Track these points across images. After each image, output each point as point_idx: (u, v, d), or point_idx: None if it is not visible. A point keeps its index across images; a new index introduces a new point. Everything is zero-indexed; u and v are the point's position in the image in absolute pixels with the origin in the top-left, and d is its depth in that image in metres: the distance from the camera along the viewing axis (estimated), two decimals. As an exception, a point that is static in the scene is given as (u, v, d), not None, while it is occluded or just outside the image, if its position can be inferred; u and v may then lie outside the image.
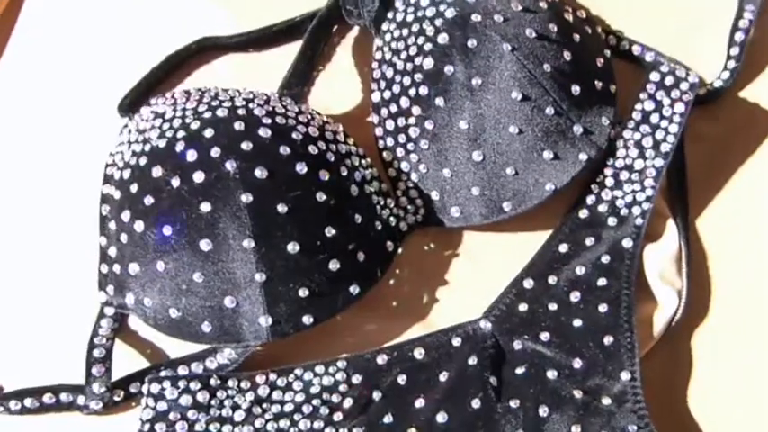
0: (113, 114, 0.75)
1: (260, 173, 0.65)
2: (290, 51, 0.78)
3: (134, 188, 0.67)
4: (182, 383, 0.67)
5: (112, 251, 0.69)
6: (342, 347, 0.71)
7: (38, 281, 0.74)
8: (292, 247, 0.65)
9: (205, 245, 0.65)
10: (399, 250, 0.72)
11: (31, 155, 0.78)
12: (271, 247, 0.65)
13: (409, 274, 0.73)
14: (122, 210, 0.68)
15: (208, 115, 0.68)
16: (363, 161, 0.71)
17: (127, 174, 0.69)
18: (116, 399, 0.69)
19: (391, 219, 0.71)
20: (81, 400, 0.69)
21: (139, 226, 0.67)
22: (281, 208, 0.65)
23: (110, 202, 0.70)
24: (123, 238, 0.68)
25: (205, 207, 0.65)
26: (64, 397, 0.69)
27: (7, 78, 0.81)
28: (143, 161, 0.68)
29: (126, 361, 0.71)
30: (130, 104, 0.75)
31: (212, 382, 0.67)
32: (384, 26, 0.74)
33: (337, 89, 0.78)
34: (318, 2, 0.79)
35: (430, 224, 0.73)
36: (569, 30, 0.72)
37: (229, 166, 0.65)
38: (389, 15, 0.74)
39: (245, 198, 0.65)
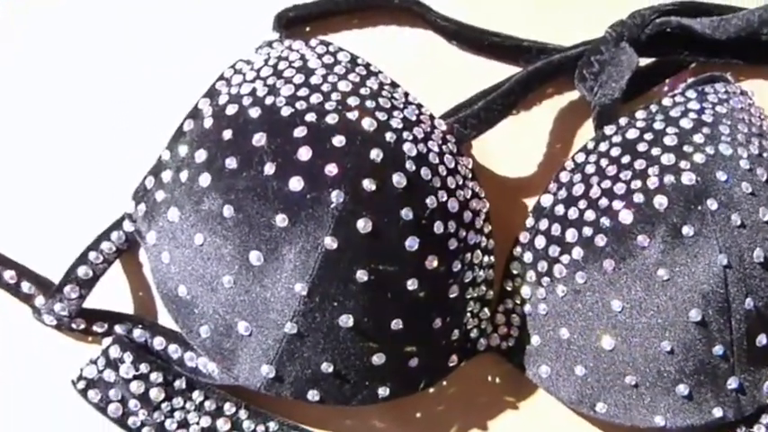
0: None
1: (362, 224, 0.51)
2: (491, 70, 0.63)
3: (227, 134, 0.54)
4: (143, 366, 0.55)
5: (167, 175, 0.56)
6: (335, 426, 0.58)
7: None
8: (344, 321, 0.52)
9: (255, 258, 0.52)
10: (462, 364, 0.58)
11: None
12: (321, 307, 0.52)
13: (454, 394, 0.59)
14: (201, 146, 0.54)
15: (351, 117, 0.53)
16: (486, 259, 0.57)
17: (231, 109, 0.54)
18: (74, 327, 0.57)
19: (474, 331, 0.57)
20: (39, 302, 0.57)
21: (205, 180, 0.53)
22: (360, 275, 0.51)
23: (196, 123, 0.56)
24: (183, 175, 0.54)
25: (281, 221, 0.51)
26: (25, 286, 0.58)
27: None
28: (254, 113, 0.53)
29: (111, 288, 0.59)
30: (290, 21, 0.61)
31: (177, 383, 0.56)
32: (608, 129, 0.58)
33: (521, 143, 0.62)
34: (557, 35, 0.63)
35: (510, 360, 0.59)
36: (803, 262, 0.56)
37: (335, 197, 0.51)
38: (621, 122, 0.58)
39: (329, 242, 0.51)
